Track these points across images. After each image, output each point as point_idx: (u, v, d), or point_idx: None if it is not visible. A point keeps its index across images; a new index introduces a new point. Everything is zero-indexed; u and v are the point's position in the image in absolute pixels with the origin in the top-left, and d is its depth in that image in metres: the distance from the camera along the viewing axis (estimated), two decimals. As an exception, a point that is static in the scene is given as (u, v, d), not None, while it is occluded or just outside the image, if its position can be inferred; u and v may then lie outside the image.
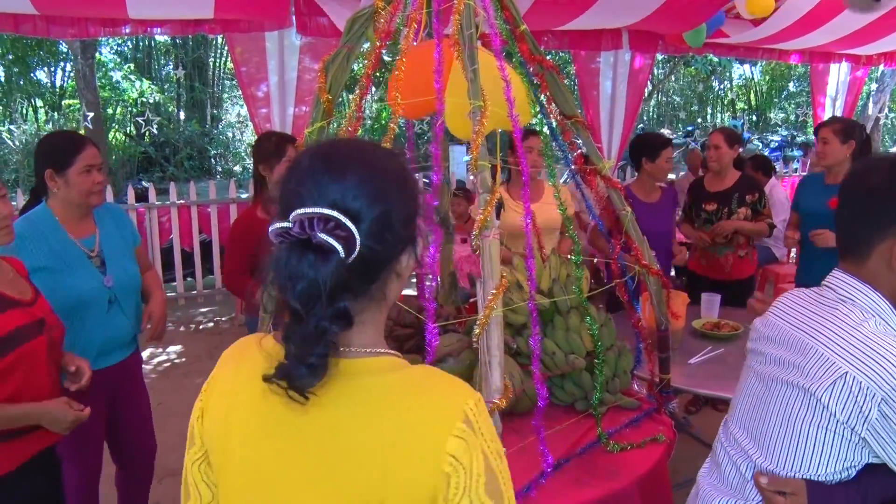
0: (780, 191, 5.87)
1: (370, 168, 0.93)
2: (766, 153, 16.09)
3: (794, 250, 5.71)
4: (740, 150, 4.26)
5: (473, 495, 0.89)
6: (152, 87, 16.91)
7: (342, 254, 0.85)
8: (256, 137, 3.19)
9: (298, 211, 0.87)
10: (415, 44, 1.95)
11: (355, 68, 2.27)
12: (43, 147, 2.48)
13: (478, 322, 1.55)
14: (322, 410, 0.91)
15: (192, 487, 1.06)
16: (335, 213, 0.86)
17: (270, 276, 0.88)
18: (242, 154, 18.16)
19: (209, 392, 1.04)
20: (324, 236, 0.85)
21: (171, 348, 5.84)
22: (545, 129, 2.26)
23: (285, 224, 0.87)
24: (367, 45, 2.08)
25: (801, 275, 4.01)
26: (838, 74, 8.79)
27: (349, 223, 0.86)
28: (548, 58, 2.13)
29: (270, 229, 0.89)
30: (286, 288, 0.85)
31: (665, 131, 18.72)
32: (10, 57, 15.74)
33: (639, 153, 3.93)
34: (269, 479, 0.94)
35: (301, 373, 0.87)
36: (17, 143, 15.79)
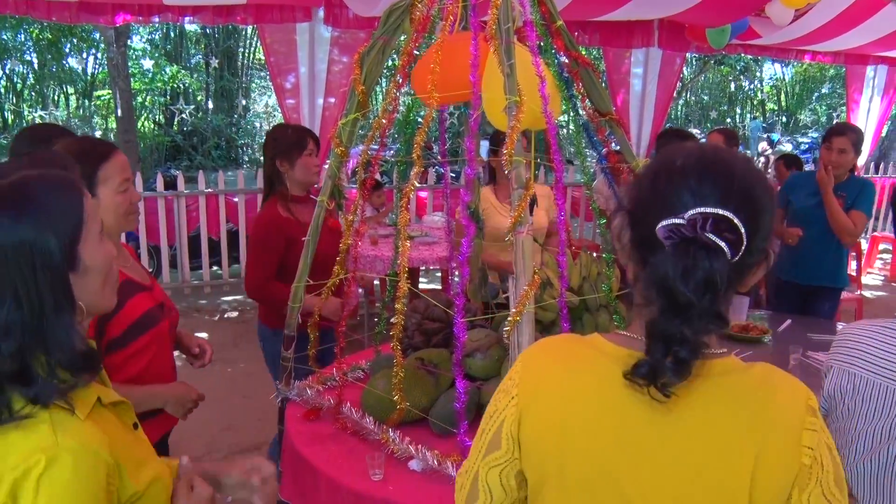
0: None
1: (750, 176, 0.94)
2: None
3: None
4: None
5: (824, 486, 0.93)
6: (182, 71, 17.04)
7: (728, 255, 0.87)
8: (270, 130, 3.01)
9: (698, 209, 0.88)
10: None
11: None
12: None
13: (509, 319, 1.54)
14: (689, 410, 0.93)
15: (482, 488, 1.05)
16: (732, 216, 0.87)
17: (649, 273, 0.90)
18: (269, 144, 18.26)
19: (528, 396, 1.01)
20: (712, 236, 0.87)
21: (197, 335, 5.89)
22: (570, 125, 2.24)
23: (678, 220, 0.88)
24: (402, 38, 2.07)
25: (784, 268, 3.86)
26: (874, 76, 8.63)
27: (742, 226, 0.88)
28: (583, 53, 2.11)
29: (662, 224, 0.89)
30: (680, 279, 0.86)
31: (693, 131, 18.56)
32: (44, 42, 15.93)
33: (657, 148, 3.91)
34: (625, 478, 0.95)
35: (668, 370, 0.88)
36: (48, 128, 15.99)
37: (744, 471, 0.92)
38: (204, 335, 5.92)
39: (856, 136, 3.69)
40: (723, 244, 0.87)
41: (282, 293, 2.70)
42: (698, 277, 0.86)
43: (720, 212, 0.87)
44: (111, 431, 1.09)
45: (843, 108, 10.20)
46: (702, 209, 0.87)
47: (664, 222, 0.89)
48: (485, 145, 3.94)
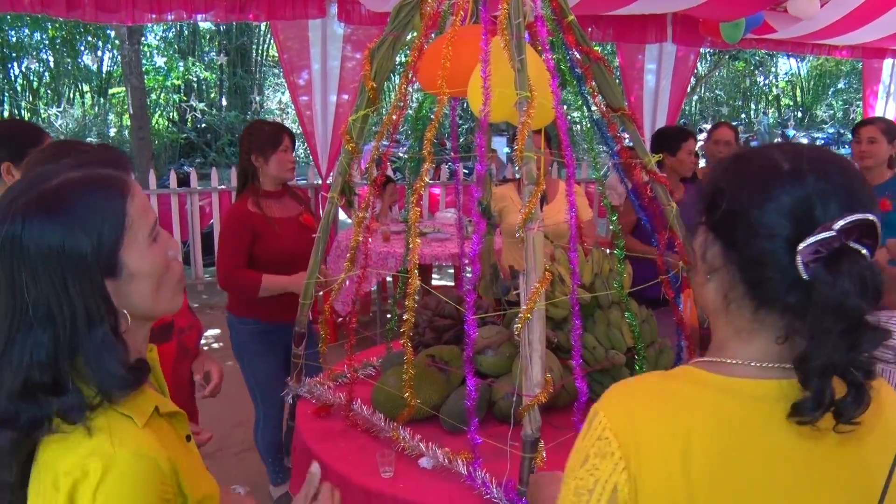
0: None
1: (854, 170, 0.88)
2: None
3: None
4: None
5: None
6: (197, 64, 17.11)
7: (869, 260, 0.81)
8: (247, 125, 3.08)
9: (849, 218, 0.79)
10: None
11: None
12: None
13: (520, 315, 1.53)
14: (840, 441, 0.85)
15: None
16: (874, 219, 0.81)
17: (821, 297, 0.80)
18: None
19: (633, 451, 0.85)
20: (856, 244, 0.80)
21: (210, 332, 5.92)
22: (585, 122, 2.23)
23: (828, 234, 0.80)
24: (412, 34, 2.07)
25: None
26: (892, 70, 8.54)
27: (878, 229, 0.82)
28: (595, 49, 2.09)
29: (808, 242, 0.80)
30: (857, 295, 0.78)
31: (706, 127, 18.45)
32: (59, 40, 16.05)
33: (658, 149, 3.85)
34: None
35: (849, 401, 0.80)
36: (64, 126, 16.15)
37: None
38: (216, 331, 5.95)
39: (886, 125, 3.55)
40: (864, 250, 0.80)
41: (250, 279, 2.85)
42: (868, 290, 0.78)
43: (869, 217, 0.80)
44: (167, 441, 1.06)
45: (860, 103, 10.09)
46: (851, 217, 0.79)
47: (811, 239, 0.80)
48: (499, 142, 3.93)
